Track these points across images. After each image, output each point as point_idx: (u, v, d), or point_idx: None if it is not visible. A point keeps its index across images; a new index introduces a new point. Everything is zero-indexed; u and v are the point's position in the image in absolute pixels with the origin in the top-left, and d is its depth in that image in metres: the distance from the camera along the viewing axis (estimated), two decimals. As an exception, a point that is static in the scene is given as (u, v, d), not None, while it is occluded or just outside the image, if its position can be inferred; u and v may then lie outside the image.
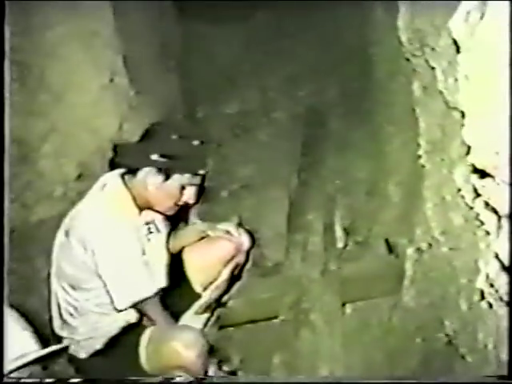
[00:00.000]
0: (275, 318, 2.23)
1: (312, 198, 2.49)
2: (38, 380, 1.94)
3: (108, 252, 2.36)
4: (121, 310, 2.38)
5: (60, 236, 2.44)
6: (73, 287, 2.41)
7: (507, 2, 1.21)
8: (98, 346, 2.40)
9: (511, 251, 1.35)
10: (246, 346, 2.32)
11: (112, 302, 2.38)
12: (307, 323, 2.12)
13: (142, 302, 2.39)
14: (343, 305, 2.21)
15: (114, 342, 2.43)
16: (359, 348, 2.15)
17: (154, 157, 2.54)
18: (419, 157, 2.17)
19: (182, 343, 2.22)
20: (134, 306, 2.39)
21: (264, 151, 2.69)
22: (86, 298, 2.41)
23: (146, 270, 2.39)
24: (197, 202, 2.59)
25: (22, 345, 2.14)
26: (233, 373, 2.30)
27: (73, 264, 2.38)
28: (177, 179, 2.49)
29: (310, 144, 2.65)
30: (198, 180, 2.54)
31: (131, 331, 2.42)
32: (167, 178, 2.47)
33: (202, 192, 2.61)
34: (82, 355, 2.40)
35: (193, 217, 2.61)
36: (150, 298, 2.40)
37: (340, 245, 2.34)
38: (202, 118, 2.86)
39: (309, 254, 2.33)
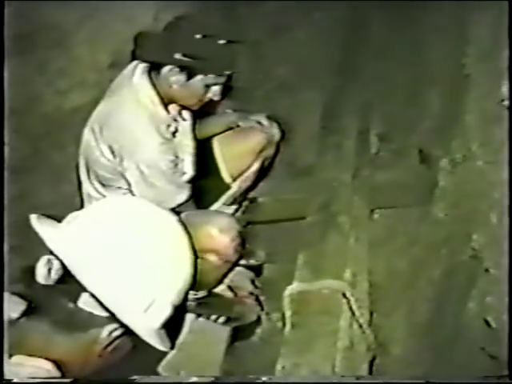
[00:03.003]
0: (303, 218, 2.24)
1: (348, 102, 2.44)
2: (38, 380, 1.97)
3: (136, 158, 2.35)
4: None
5: (87, 133, 2.42)
6: (101, 183, 2.41)
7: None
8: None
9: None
10: (272, 243, 2.36)
11: None
12: (334, 226, 2.13)
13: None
14: (371, 211, 2.21)
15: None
16: (384, 254, 2.16)
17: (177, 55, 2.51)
18: (463, 66, 2.10)
19: (216, 227, 2.24)
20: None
21: (302, 51, 2.62)
22: (113, 194, 2.42)
23: (176, 175, 2.39)
24: (222, 98, 2.55)
25: None
26: (259, 266, 2.36)
27: (100, 165, 2.38)
28: (200, 79, 2.46)
29: (349, 47, 2.58)
30: (223, 79, 2.50)
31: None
32: (190, 77, 2.44)
33: (228, 90, 2.57)
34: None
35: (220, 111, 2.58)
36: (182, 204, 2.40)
37: (373, 151, 2.32)
38: (240, 15, 2.78)
39: (341, 158, 2.31)
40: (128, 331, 2.07)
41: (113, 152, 2.36)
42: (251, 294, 2.35)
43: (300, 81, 2.58)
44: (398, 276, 2.14)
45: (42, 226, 2.09)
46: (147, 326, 2.04)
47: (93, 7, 2.52)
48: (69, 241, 2.09)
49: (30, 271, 2.16)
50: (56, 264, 2.14)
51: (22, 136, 2.44)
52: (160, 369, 2.18)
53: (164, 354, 2.18)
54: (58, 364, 1.91)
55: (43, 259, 2.14)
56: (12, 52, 2.40)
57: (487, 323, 1.84)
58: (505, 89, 1.68)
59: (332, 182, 2.25)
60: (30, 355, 1.92)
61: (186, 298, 2.18)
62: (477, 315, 1.91)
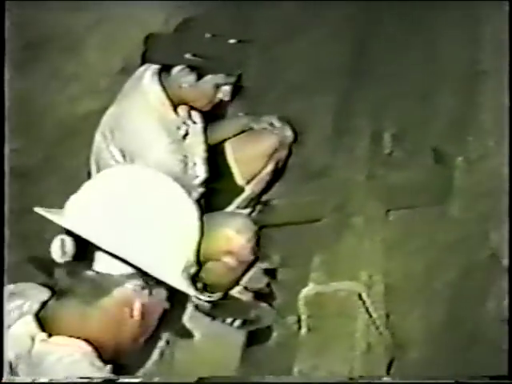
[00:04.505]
0: (318, 220, 2.23)
1: (361, 102, 2.42)
2: (38, 380, 1.98)
3: (146, 159, 2.34)
4: None
5: (98, 137, 2.43)
6: None
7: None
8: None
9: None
10: (286, 246, 2.34)
11: None
12: (349, 227, 2.12)
13: None
14: (387, 212, 2.20)
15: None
16: (399, 256, 2.15)
17: (187, 55, 2.52)
18: (477, 62, 2.09)
19: (232, 228, 2.23)
20: None
21: (314, 52, 2.61)
22: None
23: (186, 176, 2.38)
24: (232, 99, 2.54)
25: None
26: (273, 270, 2.34)
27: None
28: (210, 78, 2.46)
29: (362, 47, 2.56)
30: (233, 79, 2.50)
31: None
32: (200, 77, 2.44)
33: (238, 90, 2.57)
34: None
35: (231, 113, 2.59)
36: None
37: (387, 151, 2.30)
38: (251, 15, 2.79)
39: (355, 159, 2.30)
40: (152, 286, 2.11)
41: (124, 155, 2.36)
42: (268, 295, 2.35)
43: (312, 82, 2.57)
44: (415, 277, 2.13)
45: (51, 214, 2.16)
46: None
47: (104, 12, 2.53)
48: (85, 214, 2.14)
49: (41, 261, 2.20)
50: (68, 241, 2.21)
51: (35, 142, 2.45)
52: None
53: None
54: (93, 344, 1.95)
55: (56, 240, 2.21)
56: (25, 59, 2.42)
57: (509, 323, 1.83)
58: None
59: (346, 182, 2.25)
60: (69, 335, 1.95)
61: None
62: (495, 315, 1.89)
